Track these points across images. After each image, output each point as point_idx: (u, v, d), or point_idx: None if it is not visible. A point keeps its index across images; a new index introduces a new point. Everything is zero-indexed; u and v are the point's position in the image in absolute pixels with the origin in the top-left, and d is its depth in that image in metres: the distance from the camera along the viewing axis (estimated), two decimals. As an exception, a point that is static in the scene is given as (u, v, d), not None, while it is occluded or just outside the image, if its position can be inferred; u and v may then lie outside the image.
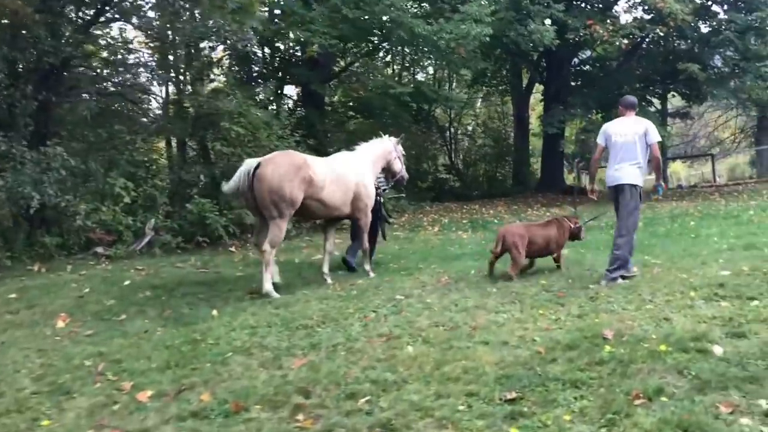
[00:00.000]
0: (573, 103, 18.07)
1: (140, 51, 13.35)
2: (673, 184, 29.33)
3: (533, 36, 14.37)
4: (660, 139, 6.80)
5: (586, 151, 21.00)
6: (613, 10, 19.05)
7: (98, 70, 12.04)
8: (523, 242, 7.11)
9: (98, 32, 11.66)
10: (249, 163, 7.09)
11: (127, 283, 8.18)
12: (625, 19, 19.37)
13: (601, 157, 7.18)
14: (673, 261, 7.59)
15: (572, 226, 7.63)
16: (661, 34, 17.36)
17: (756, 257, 7.41)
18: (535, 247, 7.27)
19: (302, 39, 13.80)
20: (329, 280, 7.69)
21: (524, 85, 26.80)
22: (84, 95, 11.26)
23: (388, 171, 8.69)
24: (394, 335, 5.18)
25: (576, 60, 23.43)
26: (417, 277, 7.69)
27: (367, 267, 8.16)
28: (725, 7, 17.41)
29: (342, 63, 19.65)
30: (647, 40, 20.49)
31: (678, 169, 38.84)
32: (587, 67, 22.16)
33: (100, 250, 10.27)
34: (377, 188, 8.50)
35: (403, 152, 8.88)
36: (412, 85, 16.41)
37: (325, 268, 7.84)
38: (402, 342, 5.00)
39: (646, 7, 16.42)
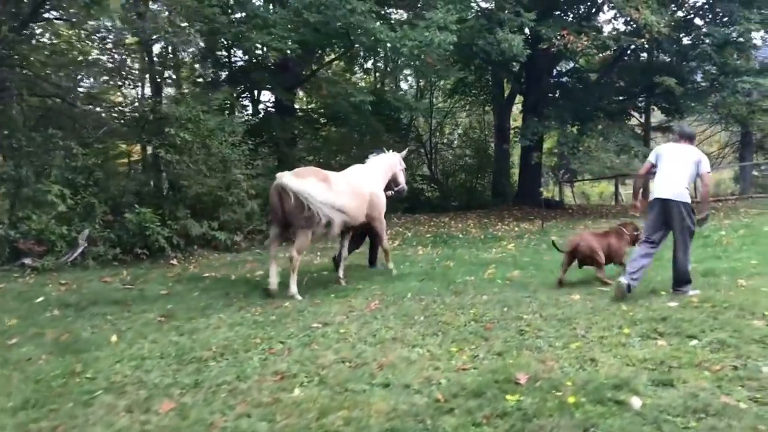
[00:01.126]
0: (548, 115, 17.63)
1: (90, 52, 12.79)
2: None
3: (501, 45, 13.93)
4: (710, 171, 6.79)
5: (565, 164, 20.60)
6: (595, 22, 18.61)
7: (37, 72, 11.46)
8: (602, 248, 7.40)
9: (38, 30, 11.08)
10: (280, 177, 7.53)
11: (39, 300, 7.63)
12: (607, 30, 18.99)
13: (647, 174, 7.25)
14: (621, 288, 7.09)
15: (632, 234, 7.71)
16: (638, 46, 16.96)
17: (711, 286, 6.95)
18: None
19: (262, 43, 13.25)
20: (343, 283, 8.40)
21: (506, 96, 26.42)
22: (15, 96, 10.66)
23: (393, 182, 9.50)
24: (289, 373, 4.66)
25: (556, 71, 23.14)
26: (349, 301, 7.19)
27: (391, 265, 9.08)
28: (705, 20, 17.02)
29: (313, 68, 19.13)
30: (628, 52, 20.18)
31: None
32: (566, 79, 21.74)
33: (27, 261, 9.70)
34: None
35: (404, 166, 9.69)
36: (368, 93, 15.82)
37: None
38: (295, 382, 4.49)
39: (625, 19, 16.02)
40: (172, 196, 11.62)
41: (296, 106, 21.31)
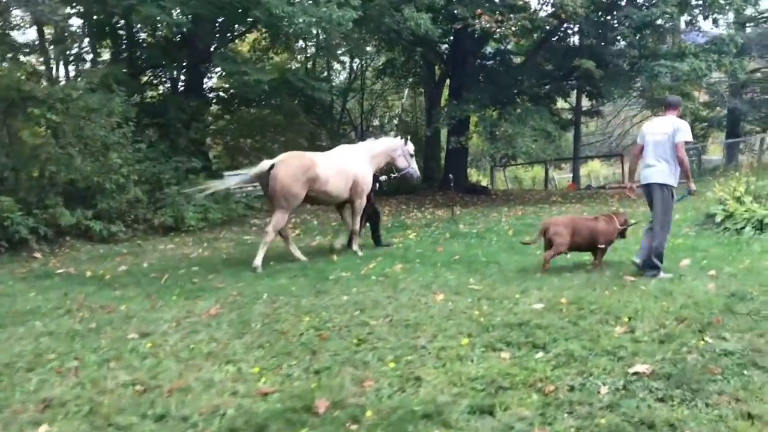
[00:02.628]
0: (467, 99, 17.09)
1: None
2: (586, 183, 29.01)
3: (408, 23, 13.26)
4: (688, 139, 6.70)
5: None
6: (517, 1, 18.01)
7: None
8: (568, 232, 7.24)
9: None
10: (264, 165, 8.48)
11: None
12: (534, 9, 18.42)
13: (639, 154, 7.13)
14: (494, 286, 6.55)
15: (622, 219, 7.64)
16: (564, 29, 16.55)
17: (588, 284, 6.46)
18: (578, 239, 7.31)
19: (151, 16, 12.22)
20: (360, 253, 9.18)
21: (437, 78, 25.84)
22: None
23: (394, 167, 10.00)
24: (59, 401, 3.93)
25: (488, 53, 22.66)
26: (194, 302, 6.47)
27: (355, 246, 9.34)
28: (623, 2, 16.65)
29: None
30: (557, 35, 19.78)
31: (596, 168, 38.80)
32: (491, 62, 21.21)
33: None
34: (376, 177, 9.70)
35: (411, 152, 9.93)
36: (271, 71, 14.98)
37: (355, 246, 9.36)
38: (58, 413, 3.76)
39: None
40: (37, 183, 10.61)
41: (211, 85, 20.34)
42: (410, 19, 13.13)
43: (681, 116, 6.98)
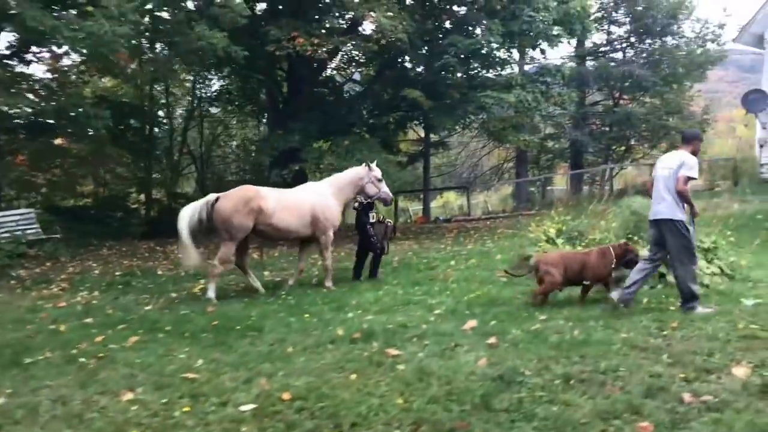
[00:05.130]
0: (293, 129, 15.82)
1: None
2: (439, 215, 28.59)
3: (201, 42, 11.81)
4: (691, 175, 6.55)
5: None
6: (336, 23, 16.90)
7: None
8: (559, 271, 7.19)
9: None
10: (209, 197, 8.79)
11: None
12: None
13: (651, 188, 7.02)
14: (219, 372, 5.12)
15: (621, 250, 7.36)
16: (387, 54, 15.72)
17: (340, 363, 5.18)
18: (570, 275, 7.24)
19: None
20: (333, 288, 9.16)
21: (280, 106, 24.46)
22: None
23: (364, 194, 9.73)
24: None
25: (341, 82, 21.66)
26: None
27: (328, 283, 9.29)
28: (448, 28, 16.09)
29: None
30: (396, 64, 19.00)
31: (452, 199, 38.86)
32: (326, 90, 20.10)
33: None
34: (359, 205, 9.85)
35: (378, 177, 9.63)
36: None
37: (292, 281, 9.49)
38: None
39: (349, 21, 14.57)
40: None
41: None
42: (203, 38, 11.68)
43: (695, 152, 6.80)
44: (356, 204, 10.01)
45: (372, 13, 13.12)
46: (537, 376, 4.64)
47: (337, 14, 15.41)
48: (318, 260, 10.31)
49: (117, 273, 11.75)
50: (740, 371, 4.56)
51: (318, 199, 9.33)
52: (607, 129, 28.82)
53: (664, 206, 6.63)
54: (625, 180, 30.74)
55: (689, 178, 6.51)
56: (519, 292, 8.10)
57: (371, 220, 9.81)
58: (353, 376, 4.81)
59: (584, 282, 7.31)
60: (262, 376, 4.91)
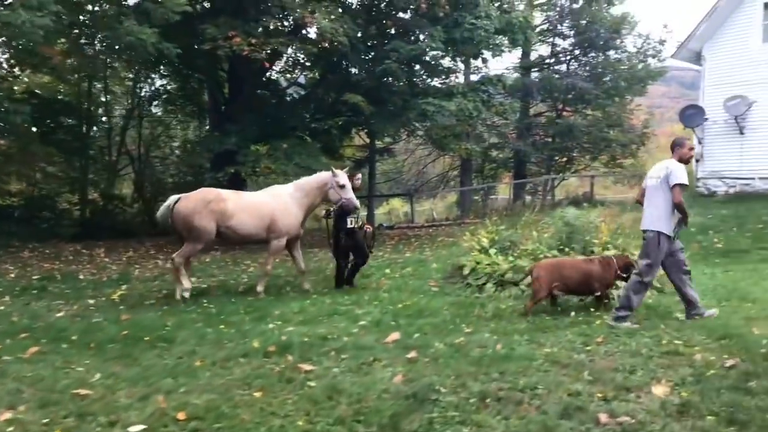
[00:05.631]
0: (230, 131, 15.38)
1: None
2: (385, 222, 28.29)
3: (130, 37, 11.31)
4: (681, 182, 6.37)
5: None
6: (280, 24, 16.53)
7: None
8: (547, 278, 7.08)
9: None
10: (171, 198, 8.92)
11: None
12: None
13: (642, 198, 6.91)
14: (116, 387, 4.73)
15: (623, 261, 7.31)
16: (331, 56, 15.43)
17: (249, 377, 4.88)
18: (568, 283, 7.17)
19: None
20: (262, 294, 8.96)
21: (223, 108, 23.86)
22: None
23: (329, 200, 9.49)
24: None
25: (290, 84, 21.22)
26: None
27: (260, 287, 9.11)
28: (393, 33, 15.92)
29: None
30: (340, 68, 18.73)
31: (398, 206, 38.68)
32: (267, 92, 19.67)
33: None
34: (328, 213, 9.75)
35: (340, 183, 9.22)
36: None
37: (260, 287, 9.13)
38: None
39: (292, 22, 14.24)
40: None
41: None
42: (131, 33, 11.19)
43: (684, 160, 6.60)
44: (325, 212, 9.76)
45: (312, 15, 12.83)
46: (452, 394, 4.44)
47: (279, 15, 15.06)
48: (282, 264, 9.82)
49: (34, 277, 11.13)
50: (659, 390, 4.45)
51: (279, 202, 9.18)
52: (550, 140, 29.16)
53: (652, 217, 6.56)
54: (566, 190, 31.18)
55: (681, 187, 6.37)
56: (448, 302, 7.93)
57: (349, 226, 9.37)
58: (259, 394, 4.52)
59: (595, 292, 7.27)
60: (161, 392, 4.57)
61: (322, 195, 9.46)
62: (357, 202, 9.38)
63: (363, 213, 10.77)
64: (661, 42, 28.31)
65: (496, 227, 10.01)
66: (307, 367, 5.13)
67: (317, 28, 13.03)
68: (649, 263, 6.49)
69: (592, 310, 7.15)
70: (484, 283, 8.60)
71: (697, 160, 20.62)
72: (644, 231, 6.64)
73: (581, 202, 19.81)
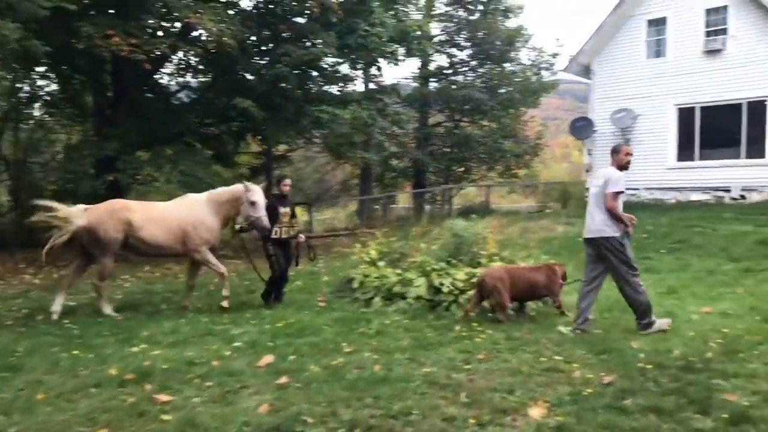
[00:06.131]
0: (110, 136, 14.47)
1: None
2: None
3: (-10, 31, 10.35)
4: (617, 190, 6.58)
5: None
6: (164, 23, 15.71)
7: None
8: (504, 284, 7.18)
9: None
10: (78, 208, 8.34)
11: None
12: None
13: None
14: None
15: (563, 270, 7.67)
16: (207, 59, 14.82)
17: (105, 411, 4.39)
18: (517, 291, 7.31)
19: None
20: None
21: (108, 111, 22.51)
22: None
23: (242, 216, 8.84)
24: None
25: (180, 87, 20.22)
26: None
27: (225, 292, 8.57)
28: (287, 36, 15.46)
29: None
30: (234, 71, 18.04)
31: (299, 214, 38.00)
32: (152, 96, 18.68)
33: None
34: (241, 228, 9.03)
35: (251, 200, 8.54)
36: None
37: (186, 302, 8.78)
38: None
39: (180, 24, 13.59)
40: None
41: None
42: (-6, 27, 10.25)
43: (621, 166, 6.80)
44: (238, 226, 9.12)
45: (198, 16, 12.24)
46: (320, 425, 4.12)
47: (163, 15, 14.30)
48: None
49: None
50: (536, 412, 4.31)
51: (190, 213, 8.69)
52: (449, 150, 29.52)
53: (596, 224, 6.66)
54: (465, 199, 31.66)
55: (616, 194, 6.54)
56: (333, 319, 7.60)
57: (274, 236, 8.71)
58: (104, 431, 4.03)
59: (536, 299, 7.65)
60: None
61: (235, 209, 8.84)
62: (266, 222, 8.53)
63: (304, 218, 10.38)
64: (554, 56, 29.32)
65: (387, 239, 9.80)
66: (164, 397, 4.66)
67: (203, 29, 12.43)
68: (625, 268, 6.61)
69: (475, 324, 7.01)
70: (372, 297, 8.35)
71: (587, 171, 21.38)
72: (591, 240, 6.76)
73: (478, 212, 20.02)
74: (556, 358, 5.55)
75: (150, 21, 12.66)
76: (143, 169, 13.72)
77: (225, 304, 8.46)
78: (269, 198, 9.09)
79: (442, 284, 7.98)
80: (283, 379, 5.05)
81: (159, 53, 12.91)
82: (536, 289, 7.46)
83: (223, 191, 9.03)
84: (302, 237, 9.34)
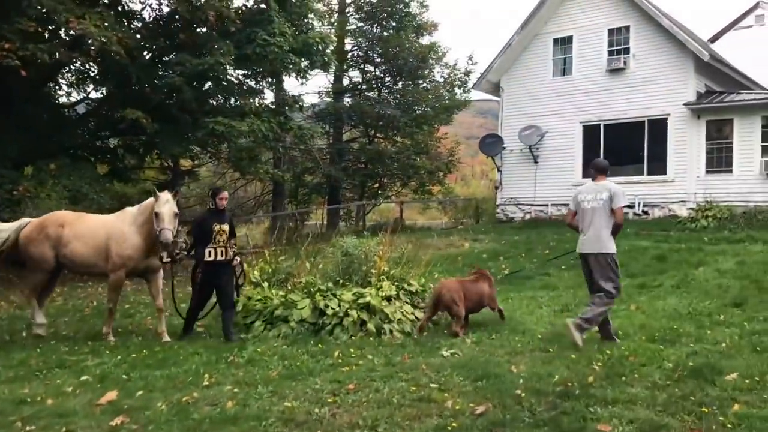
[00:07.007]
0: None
1: None
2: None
3: None
4: (625, 204, 6.67)
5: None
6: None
7: None
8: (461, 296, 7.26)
9: None
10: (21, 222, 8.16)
11: None
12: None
13: (573, 220, 6.96)
14: None
15: None
16: (100, 68, 13.96)
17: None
18: (469, 303, 7.36)
19: None
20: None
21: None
22: None
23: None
24: None
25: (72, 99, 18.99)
26: None
27: (105, 329, 7.82)
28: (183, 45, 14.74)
29: None
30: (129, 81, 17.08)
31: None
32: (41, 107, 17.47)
33: None
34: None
35: (158, 211, 7.50)
36: None
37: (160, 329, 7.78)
38: None
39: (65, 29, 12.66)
40: None
41: None
42: None
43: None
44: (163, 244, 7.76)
45: (79, 20, 11.45)
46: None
47: (46, 19, 13.32)
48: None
49: None
50: (394, 450, 3.89)
51: (115, 229, 7.90)
52: (363, 166, 29.22)
53: (602, 240, 6.58)
54: (380, 216, 31.41)
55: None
56: (205, 346, 7.02)
57: (207, 258, 7.53)
58: None
59: (491, 308, 7.76)
60: None
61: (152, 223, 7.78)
62: (168, 236, 7.43)
63: (246, 233, 9.53)
64: (467, 73, 29.47)
65: (275, 258, 9.27)
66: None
67: (84, 34, 11.62)
68: (615, 286, 6.60)
69: (355, 349, 6.58)
70: (253, 322, 7.80)
71: (497, 187, 21.48)
72: (593, 254, 6.63)
73: (394, 228, 19.64)
74: (432, 386, 5.18)
75: (23, 24, 11.63)
76: (20, 185, 12.62)
77: (106, 333, 7.76)
78: (202, 211, 8.21)
79: (327, 306, 7.53)
80: (119, 420, 4.46)
81: (38, 60, 11.94)
82: (483, 299, 7.56)
83: (143, 204, 8.05)
84: (237, 259, 8.01)
